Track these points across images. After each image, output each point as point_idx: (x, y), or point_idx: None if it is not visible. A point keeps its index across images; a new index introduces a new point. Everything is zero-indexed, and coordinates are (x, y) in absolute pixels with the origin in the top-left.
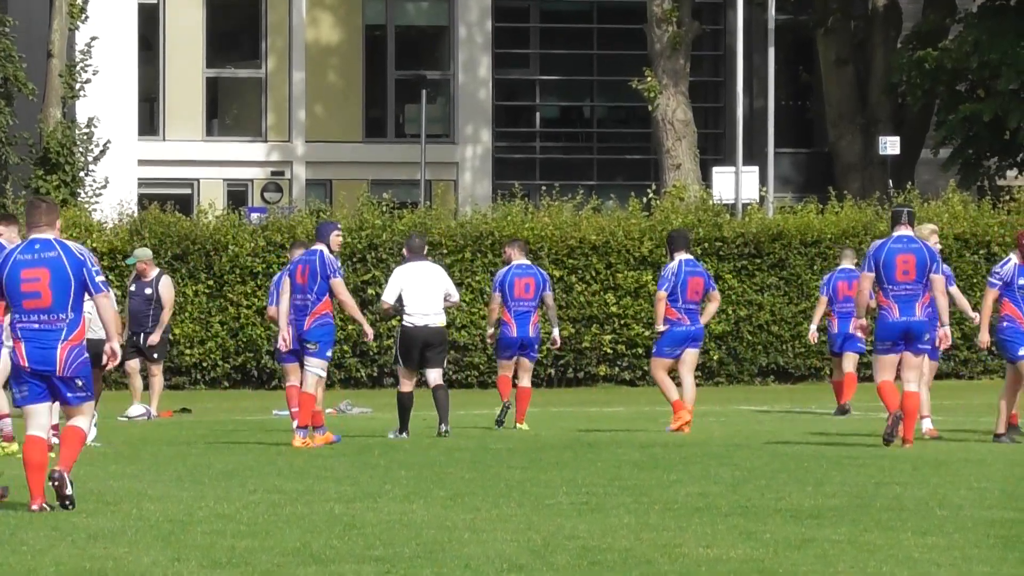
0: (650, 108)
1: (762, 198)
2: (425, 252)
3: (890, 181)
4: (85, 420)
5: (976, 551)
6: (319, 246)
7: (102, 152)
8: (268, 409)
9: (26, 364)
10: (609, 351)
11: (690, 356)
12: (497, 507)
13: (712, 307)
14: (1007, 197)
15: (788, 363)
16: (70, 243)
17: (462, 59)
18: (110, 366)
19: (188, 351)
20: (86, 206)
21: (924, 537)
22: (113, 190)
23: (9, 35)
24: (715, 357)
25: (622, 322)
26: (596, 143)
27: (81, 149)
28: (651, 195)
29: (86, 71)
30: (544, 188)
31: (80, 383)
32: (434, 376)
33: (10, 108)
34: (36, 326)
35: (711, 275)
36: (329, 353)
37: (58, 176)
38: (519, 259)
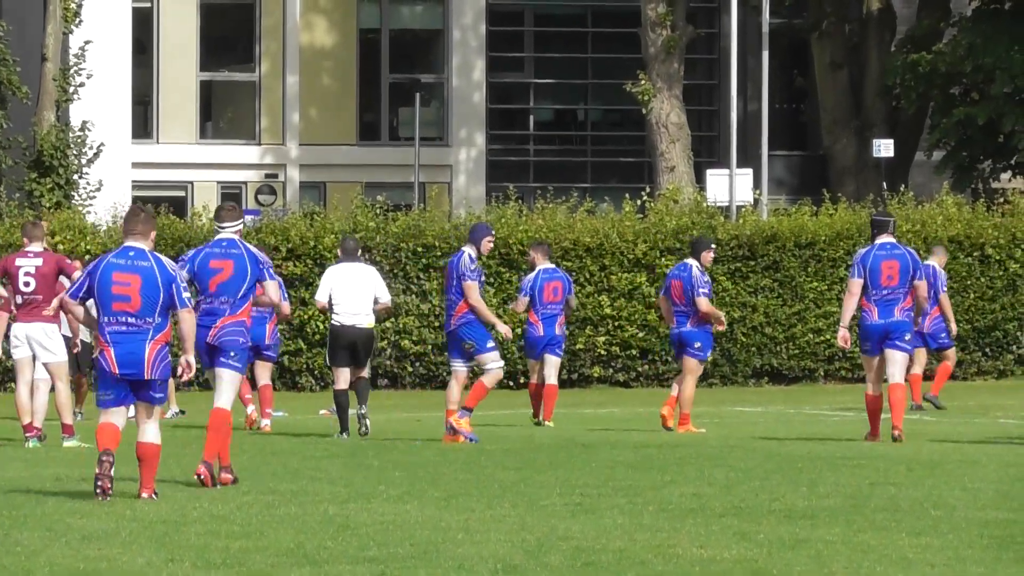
0: (644, 111)
1: (756, 200)
2: (359, 254)
3: (884, 184)
4: (155, 426)
5: (970, 552)
6: (467, 246)
7: (96, 155)
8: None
9: (116, 370)
10: (603, 353)
11: (685, 361)
12: (491, 508)
13: (700, 311)
14: (1001, 200)
15: (782, 364)
16: (163, 257)
17: (456, 62)
18: (185, 378)
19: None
20: (80, 209)
21: (919, 537)
22: (107, 193)
23: (3, 39)
24: (709, 359)
25: (616, 324)
26: (590, 146)
27: (75, 152)
28: (645, 197)
29: (80, 74)
30: (538, 191)
31: (160, 383)
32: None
33: (3, 111)
34: (124, 329)
35: (699, 281)
36: (491, 344)
37: (52, 179)
38: (544, 263)
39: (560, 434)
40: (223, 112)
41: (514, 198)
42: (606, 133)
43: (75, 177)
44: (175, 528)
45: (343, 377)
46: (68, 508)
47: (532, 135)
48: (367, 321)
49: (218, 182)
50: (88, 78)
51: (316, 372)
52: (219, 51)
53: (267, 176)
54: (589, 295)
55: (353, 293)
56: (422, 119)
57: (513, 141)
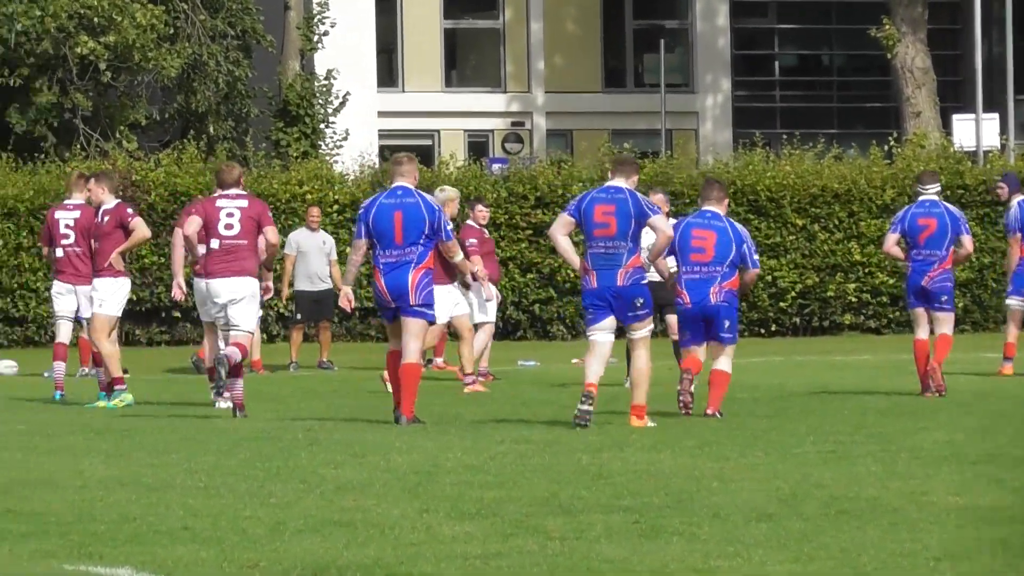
0: (889, 56)
1: (1003, 145)
2: None
3: None
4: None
5: None
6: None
7: (341, 104)
8: (512, 360)
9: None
10: (854, 299)
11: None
12: (744, 456)
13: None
14: None
15: None
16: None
17: (700, 8)
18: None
19: None
20: (327, 158)
21: None
22: (353, 142)
23: None
24: (959, 305)
25: (866, 270)
26: (836, 91)
27: (320, 101)
28: (892, 143)
29: (324, 23)
30: (785, 136)
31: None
32: None
33: (248, 61)
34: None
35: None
36: None
37: (298, 128)
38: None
39: (812, 381)
40: (468, 60)
41: (761, 144)
42: (851, 78)
43: (321, 127)
44: (428, 478)
45: None
46: (322, 459)
47: (777, 81)
48: None
49: (464, 130)
50: (332, 26)
51: (568, 321)
52: None
53: (513, 124)
54: (839, 242)
55: None
56: (667, 65)
57: (758, 87)
